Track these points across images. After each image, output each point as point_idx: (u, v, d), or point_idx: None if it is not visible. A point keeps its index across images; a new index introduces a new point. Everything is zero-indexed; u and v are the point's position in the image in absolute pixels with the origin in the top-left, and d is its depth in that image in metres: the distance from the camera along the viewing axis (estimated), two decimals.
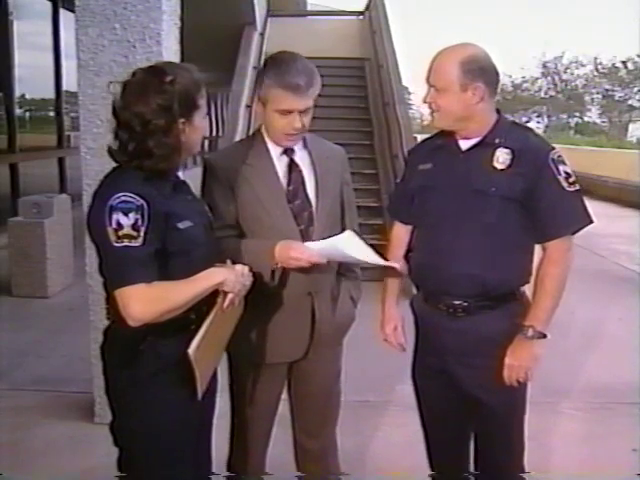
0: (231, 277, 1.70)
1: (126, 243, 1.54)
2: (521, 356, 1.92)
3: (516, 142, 1.91)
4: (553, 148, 1.93)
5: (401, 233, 2.18)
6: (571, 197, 1.90)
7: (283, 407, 2.23)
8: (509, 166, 1.89)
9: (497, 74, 1.94)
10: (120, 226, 1.54)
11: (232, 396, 2.17)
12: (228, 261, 1.79)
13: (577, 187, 1.91)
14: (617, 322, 5.18)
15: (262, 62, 2.05)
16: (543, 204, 1.89)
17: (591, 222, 1.93)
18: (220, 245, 1.88)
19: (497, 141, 1.92)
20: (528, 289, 2.01)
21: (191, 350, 1.59)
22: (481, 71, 1.88)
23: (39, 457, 2.99)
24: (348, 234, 2.02)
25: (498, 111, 1.99)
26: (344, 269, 2.16)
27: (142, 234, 1.55)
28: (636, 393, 3.75)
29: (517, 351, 1.92)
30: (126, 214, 1.54)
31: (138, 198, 1.56)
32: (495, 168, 1.90)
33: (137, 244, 1.54)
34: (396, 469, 2.85)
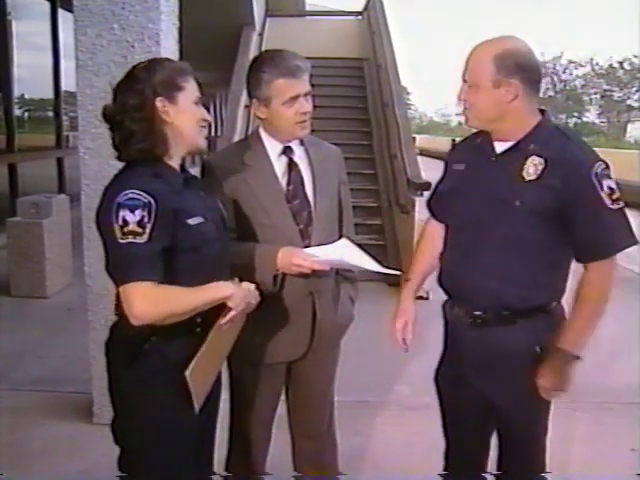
0: (239, 293, 1.68)
1: (130, 240, 1.53)
2: (553, 379, 1.83)
3: (552, 151, 1.75)
4: (598, 160, 1.74)
5: (433, 230, 2.07)
6: (614, 215, 1.73)
7: (281, 408, 2.23)
8: (539, 177, 1.74)
9: (539, 72, 1.82)
10: (126, 223, 1.54)
11: (232, 396, 2.16)
12: (236, 279, 1.75)
13: (621, 204, 1.74)
14: (616, 322, 5.17)
15: (248, 67, 2.02)
16: (582, 222, 1.75)
17: (636, 243, 1.77)
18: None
19: (532, 147, 1.77)
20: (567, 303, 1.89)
21: (188, 372, 1.57)
22: (517, 67, 1.73)
23: (38, 457, 2.98)
24: (344, 241, 2.02)
25: (543, 112, 1.84)
26: (341, 270, 2.16)
27: (148, 231, 1.54)
28: (635, 393, 3.75)
29: (548, 373, 1.82)
30: (132, 211, 1.54)
31: (145, 195, 1.56)
32: (523, 178, 1.76)
33: (142, 241, 1.54)
34: (395, 469, 2.85)
